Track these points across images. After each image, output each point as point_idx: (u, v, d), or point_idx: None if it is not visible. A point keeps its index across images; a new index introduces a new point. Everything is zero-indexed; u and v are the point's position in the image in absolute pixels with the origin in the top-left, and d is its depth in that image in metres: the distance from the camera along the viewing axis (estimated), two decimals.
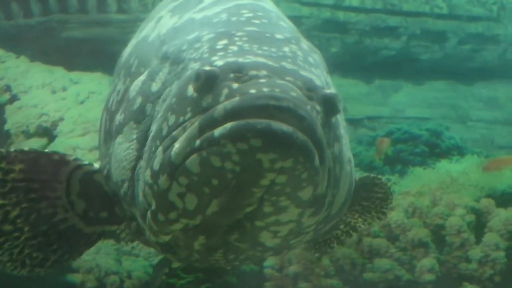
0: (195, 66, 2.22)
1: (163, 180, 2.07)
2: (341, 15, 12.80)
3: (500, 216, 5.73)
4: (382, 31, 13.06)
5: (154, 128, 2.22)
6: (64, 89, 8.50)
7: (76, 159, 2.56)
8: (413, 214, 5.86)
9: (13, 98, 8.14)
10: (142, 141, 2.28)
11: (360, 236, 5.69)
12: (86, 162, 2.57)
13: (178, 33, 2.52)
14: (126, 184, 2.32)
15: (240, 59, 2.14)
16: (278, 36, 2.33)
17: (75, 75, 9.02)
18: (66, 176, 2.55)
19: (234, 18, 2.44)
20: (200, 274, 5.63)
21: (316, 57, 2.39)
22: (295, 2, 12.20)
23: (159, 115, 2.23)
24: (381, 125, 12.57)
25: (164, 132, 2.13)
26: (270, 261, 5.66)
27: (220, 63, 2.13)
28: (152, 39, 2.68)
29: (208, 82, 2.07)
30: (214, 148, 1.96)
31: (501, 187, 6.50)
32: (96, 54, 9.79)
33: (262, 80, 2.04)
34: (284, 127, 1.92)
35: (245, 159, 1.94)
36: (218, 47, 2.24)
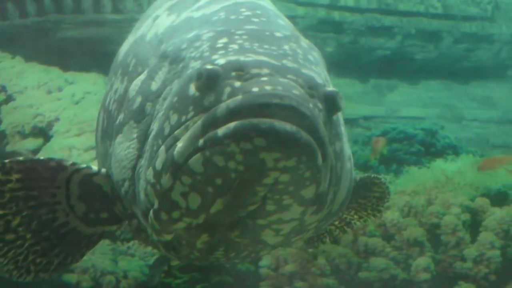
0: (196, 64, 2.21)
1: (166, 179, 2.07)
2: (336, 15, 12.82)
3: (495, 215, 5.74)
4: (377, 31, 13.08)
5: (155, 127, 2.22)
6: (60, 89, 8.49)
7: (73, 164, 2.54)
8: (409, 213, 5.88)
9: (9, 99, 8.12)
10: (142, 140, 2.27)
11: (355, 235, 5.70)
12: (84, 166, 2.55)
13: (176, 32, 2.52)
14: (126, 183, 2.32)
15: (242, 58, 2.13)
16: (278, 34, 2.33)
17: (71, 75, 9.01)
18: (64, 181, 2.54)
19: (233, 17, 2.44)
20: (196, 274, 5.63)
21: (315, 55, 2.39)
22: (291, 1, 12.21)
23: (160, 114, 2.22)
24: (377, 124, 12.59)
25: (166, 131, 2.13)
26: (266, 260, 5.67)
27: (221, 61, 2.13)
28: (150, 38, 2.67)
29: (210, 81, 2.07)
30: (217, 147, 1.96)
31: (496, 186, 6.52)
32: (92, 54, 9.78)
33: (264, 79, 2.04)
34: (288, 126, 1.92)
35: (249, 158, 1.94)
36: (219, 45, 2.23)
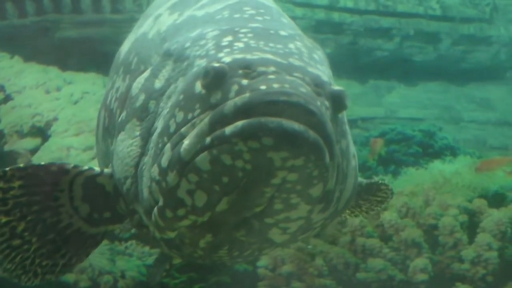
0: (201, 63, 2.21)
1: (172, 177, 2.07)
2: (335, 16, 12.83)
3: (492, 216, 5.74)
4: (376, 32, 13.10)
5: (160, 124, 2.22)
6: (58, 89, 8.49)
7: (75, 166, 2.54)
8: (406, 214, 5.88)
9: (7, 98, 8.13)
10: (145, 137, 2.27)
11: (353, 236, 5.70)
12: (86, 167, 2.55)
13: (179, 30, 2.52)
14: (129, 181, 2.32)
15: (248, 56, 2.13)
16: (282, 33, 2.33)
17: (69, 75, 9.02)
18: (67, 184, 2.54)
19: (237, 15, 2.44)
20: (194, 274, 5.63)
21: (320, 54, 2.40)
22: (288, 2, 12.22)
23: (165, 111, 2.22)
24: (375, 125, 12.60)
25: (172, 128, 2.13)
26: (264, 260, 5.67)
27: (228, 59, 2.13)
28: (152, 36, 2.67)
29: (217, 79, 2.07)
30: (225, 146, 1.95)
31: (494, 187, 6.52)
32: (90, 54, 9.79)
33: (271, 76, 2.04)
34: (296, 125, 1.92)
35: (256, 157, 1.94)
36: (224, 43, 2.23)
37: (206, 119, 2.03)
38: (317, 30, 12.48)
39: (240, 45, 2.21)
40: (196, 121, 2.07)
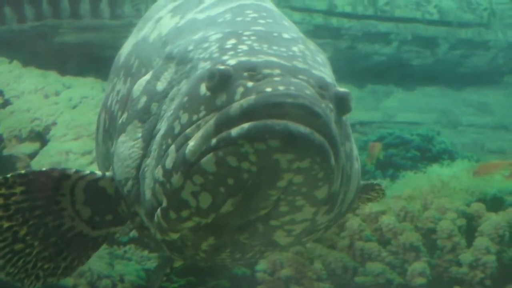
0: (205, 65, 2.21)
1: (176, 178, 2.07)
2: (334, 21, 12.86)
3: (490, 220, 5.75)
4: (374, 37, 13.13)
5: (163, 126, 2.22)
6: (57, 93, 8.49)
7: (77, 171, 2.54)
8: (405, 218, 5.88)
9: (6, 103, 8.13)
10: (147, 139, 2.27)
11: (352, 240, 5.71)
12: (88, 172, 2.55)
13: (181, 33, 2.52)
14: (130, 182, 2.32)
15: (253, 58, 2.14)
16: (285, 35, 2.34)
17: (68, 79, 9.02)
18: (69, 189, 2.54)
19: (239, 18, 2.45)
20: (192, 278, 5.64)
21: (322, 57, 2.41)
22: (287, 7, 12.24)
23: (169, 113, 2.22)
24: (373, 130, 12.62)
25: (177, 130, 2.12)
26: (262, 264, 5.67)
27: (232, 62, 2.13)
28: (153, 39, 2.68)
29: (222, 81, 2.07)
30: (231, 147, 1.96)
31: (492, 191, 6.52)
32: (89, 59, 9.80)
33: (277, 79, 2.05)
34: (302, 128, 1.93)
35: (262, 159, 1.94)
36: (228, 46, 2.23)
37: (211, 120, 2.04)
38: (315, 35, 12.49)
39: (244, 47, 2.21)
40: (201, 123, 2.07)
